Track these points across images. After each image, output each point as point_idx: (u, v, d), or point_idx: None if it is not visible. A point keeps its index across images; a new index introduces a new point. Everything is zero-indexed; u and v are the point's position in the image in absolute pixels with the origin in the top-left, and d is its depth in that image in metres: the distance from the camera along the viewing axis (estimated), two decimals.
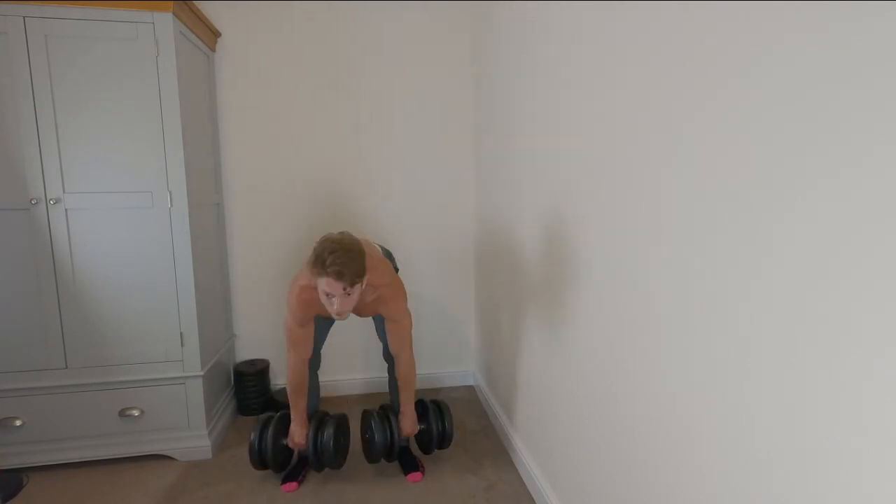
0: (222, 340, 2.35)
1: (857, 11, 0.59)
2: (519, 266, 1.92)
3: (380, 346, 2.06)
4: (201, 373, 1.99)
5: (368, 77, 2.47)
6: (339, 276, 1.46)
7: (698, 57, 0.87)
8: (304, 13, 2.37)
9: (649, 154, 1.03)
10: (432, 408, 1.97)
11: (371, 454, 1.88)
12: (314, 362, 1.94)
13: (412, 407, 1.90)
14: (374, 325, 2.02)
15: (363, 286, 1.58)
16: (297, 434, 1.82)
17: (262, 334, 2.53)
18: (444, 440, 1.95)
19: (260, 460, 1.82)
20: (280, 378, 2.57)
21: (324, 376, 2.09)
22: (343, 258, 1.47)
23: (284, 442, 1.85)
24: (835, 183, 0.62)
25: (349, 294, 1.51)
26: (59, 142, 1.77)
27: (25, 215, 1.78)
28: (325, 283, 1.49)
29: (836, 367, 0.63)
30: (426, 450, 1.98)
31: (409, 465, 1.94)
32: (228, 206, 2.44)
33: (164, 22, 1.78)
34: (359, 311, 1.75)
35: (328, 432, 1.80)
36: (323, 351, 1.98)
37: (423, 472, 1.92)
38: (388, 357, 1.99)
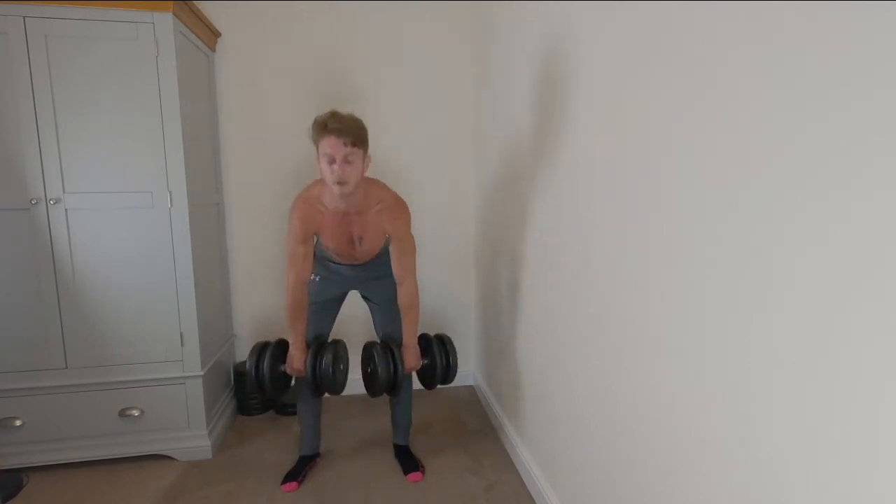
0: (222, 340, 2.35)
1: (871, 10, 0.59)
2: (519, 266, 1.92)
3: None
4: (201, 373, 1.99)
5: (368, 77, 2.47)
6: (339, 132, 1.47)
7: (703, 56, 0.87)
8: (305, 13, 2.37)
9: (652, 154, 1.03)
10: (436, 342, 1.90)
11: (374, 388, 1.82)
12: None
13: (415, 339, 1.85)
14: (371, 320, 2.01)
15: (366, 158, 1.58)
16: (296, 359, 1.76)
17: (262, 334, 2.52)
18: (447, 375, 1.88)
19: (259, 388, 1.78)
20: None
21: None
22: (345, 118, 1.50)
23: (282, 369, 1.80)
24: (843, 189, 0.62)
25: (350, 162, 1.51)
26: (59, 142, 1.77)
27: (25, 215, 1.78)
28: (326, 145, 1.48)
29: (838, 367, 0.63)
30: (429, 385, 1.93)
31: (409, 465, 1.94)
32: (228, 206, 2.44)
33: (164, 22, 1.78)
34: (362, 227, 1.70)
35: (327, 358, 1.74)
36: None
37: (423, 472, 1.92)
38: None
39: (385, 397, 1.90)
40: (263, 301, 2.52)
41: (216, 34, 2.27)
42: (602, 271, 1.26)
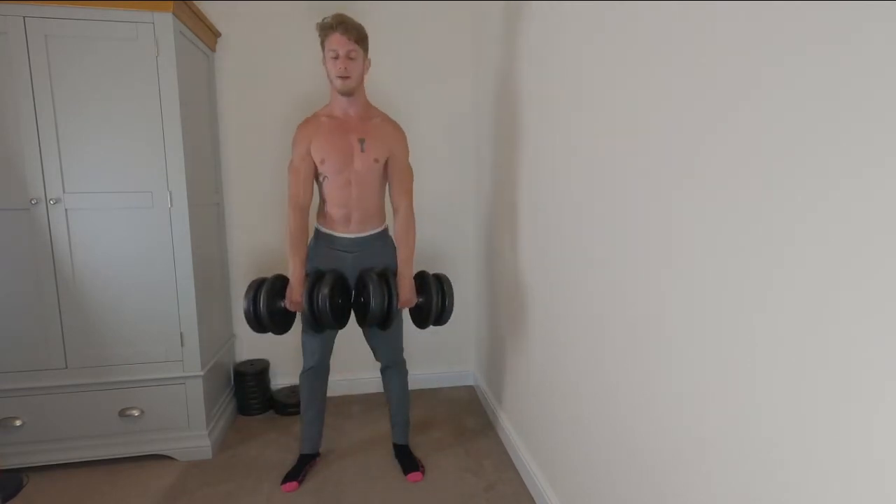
0: (222, 340, 2.35)
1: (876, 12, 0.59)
2: (519, 266, 1.92)
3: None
4: (201, 373, 1.99)
5: (368, 76, 2.46)
6: (345, 29, 1.61)
7: (706, 57, 0.87)
8: (305, 13, 2.37)
9: (655, 155, 1.03)
10: (433, 281, 1.84)
11: (364, 319, 1.75)
12: (322, 372, 1.92)
13: (411, 269, 1.81)
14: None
15: (366, 59, 1.71)
16: (295, 291, 1.72)
17: (262, 334, 2.52)
18: (442, 316, 1.82)
19: (258, 323, 1.73)
20: (280, 378, 2.58)
21: None
22: (348, 19, 1.64)
23: (281, 304, 1.75)
24: (846, 191, 0.62)
25: (353, 58, 1.64)
26: (59, 142, 1.77)
27: (25, 215, 1.78)
28: (332, 41, 1.62)
29: (839, 367, 0.63)
30: (421, 324, 1.87)
31: (409, 464, 1.94)
32: (228, 206, 2.44)
33: (164, 22, 1.78)
34: (364, 130, 1.73)
35: (324, 292, 1.65)
36: None
37: (423, 472, 1.92)
38: (383, 367, 1.98)
39: (383, 397, 1.89)
40: None
41: (216, 34, 2.27)
42: (602, 271, 1.26)
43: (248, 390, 2.39)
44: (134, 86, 1.79)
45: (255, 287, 1.74)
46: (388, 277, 1.73)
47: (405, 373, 1.99)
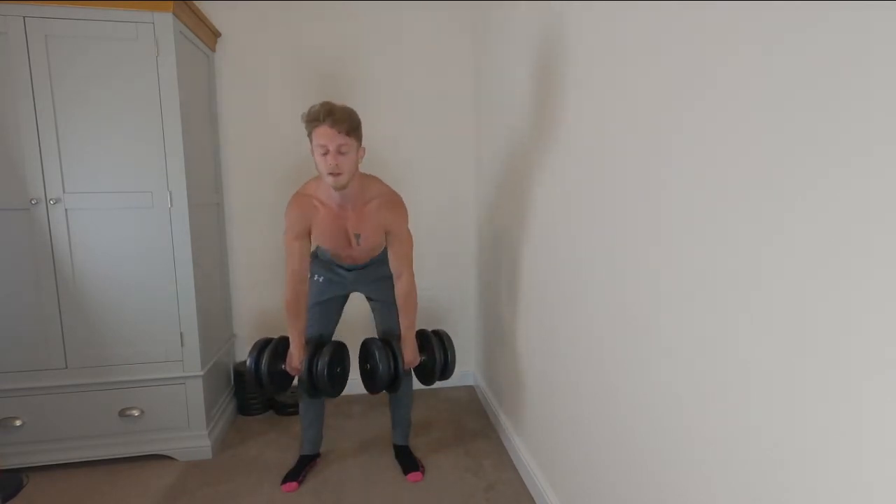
0: (222, 340, 2.35)
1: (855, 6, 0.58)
2: (520, 266, 1.92)
3: None
4: (201, 373, 1.99)
5: (368, 76, 2.47)
6: (333, 122, 1.46)
7: (697, 53, 0.87)
8: (305, 13, 2.37)
9: (651, 153, 1.03)
10: (434, 338, 1.89)
11: (373, 384, 1.80)
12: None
13: (413, 332, 1.84)
14: (372, 321, 2.01)
15: (360, 149, 1.58)
16: (295, 357, 1.75)
17: (262, 334, 2.51)
18: (445, 371, 1.86)
19: (258, 383, 1.77)
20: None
21: None
22: (338, 108, 1.50)
23: (282, 367, 1.79)
24: (835, 183, 0.62)
25: (345, 153, 1.51)
26: (59, 142, 1.77)
27: (25, 215, 1.78)
28: (320, 135, 1.48)
29: (839, 367, 0.63)
30: (427, 381, 1.91)
31: (409, 465, 1.94)
32: (228, 206, 2.44)
33: (164, 22, 1.78)
34: (358, 222, 1.68)
35: (324, 360, 1.72)
36: None
37: (423, 472, 1.92)
38: None
39: (384, 396, 1.89)
40: (263, 301, 2.52)
41: (216, 34, 2.27)
42: (602, 271, 1.26)
43: (248, 390, 2.39)
44: (134, 86, 1.79)
45: (259, 347, 1.80)
46: (391, 343, 1.81)
47: (409, 374, 1.99)
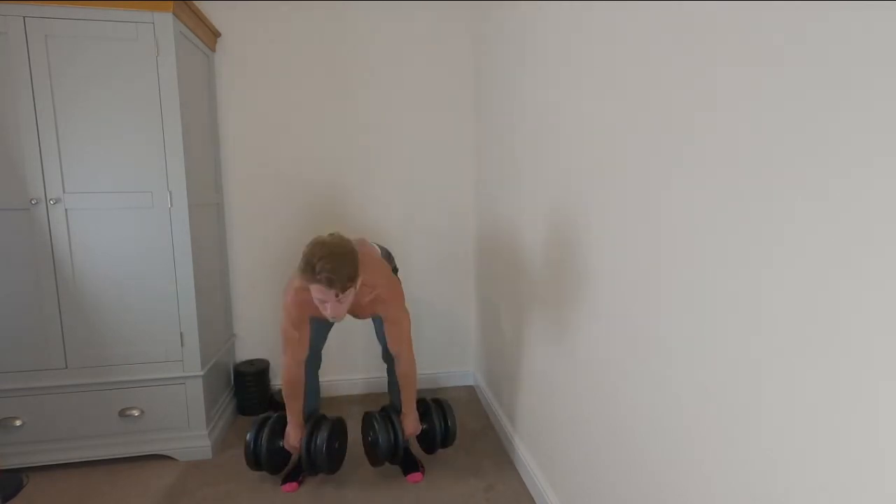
0: (222, 340, 2.35)
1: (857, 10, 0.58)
2: (520, 266, 1.92)
3: (379, 346, 2.06)
4: (201, 373, 1.99)
5: (368, 77, 2.47)
6: (329, 283, 1.44)
7: (704, 54, 0.87)
8: (305, 13, 2.37)
9: (654, 153, 1.03)
10: (434, 407, 1.95)
11: (375, 457, 1.85)
12: (314, 362, 1.93)
13: (414, 406, 1.89)
14: (373, 325, 2.02)
15: (357, 289, 1.55)
16: (293, 436, 1.80)
17: (262, 334, 2.53)
18: (447, 439, 1.92)
19: (255, 461, 1.80)
20: (280, 378, 2.57)
21: (324, 376, 2.08)
22: (333, 263, 1.43)
23: (280, 444, 1.83)
24: (838, 190, 0.62)
25: (341, 301, 1.51)
26: (59, 142, 1.77)
27: (25, 215, 1.78)
28: (316, 290, 1.47)
29: (838, 367, 0.63)
30: (429, 449, 1.97)
31: (410, 465, 1.93)
32: (228, 206, 2.44)
33: (164, 22, 1.78)
34: (356, 312, 1.74)
35: (322, 436, 1.77)
36: (323, 351, 1.98)
37: (423, 473, 1.92)
38: (388, 358, 1.98)
39: (384, 398, 1.89)
40: (263, 301, 2.52)
41: (216, 34, 2.27)
42: (602, 271, 1.26)
43: (248, 390, 2.39)
44: (134, 86, 1.79)
45: (258, 425, 1.83)
46: (390, 415, 1.87)
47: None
